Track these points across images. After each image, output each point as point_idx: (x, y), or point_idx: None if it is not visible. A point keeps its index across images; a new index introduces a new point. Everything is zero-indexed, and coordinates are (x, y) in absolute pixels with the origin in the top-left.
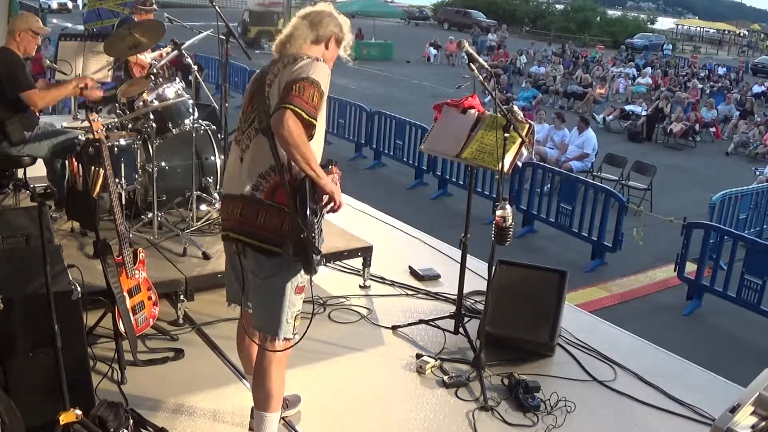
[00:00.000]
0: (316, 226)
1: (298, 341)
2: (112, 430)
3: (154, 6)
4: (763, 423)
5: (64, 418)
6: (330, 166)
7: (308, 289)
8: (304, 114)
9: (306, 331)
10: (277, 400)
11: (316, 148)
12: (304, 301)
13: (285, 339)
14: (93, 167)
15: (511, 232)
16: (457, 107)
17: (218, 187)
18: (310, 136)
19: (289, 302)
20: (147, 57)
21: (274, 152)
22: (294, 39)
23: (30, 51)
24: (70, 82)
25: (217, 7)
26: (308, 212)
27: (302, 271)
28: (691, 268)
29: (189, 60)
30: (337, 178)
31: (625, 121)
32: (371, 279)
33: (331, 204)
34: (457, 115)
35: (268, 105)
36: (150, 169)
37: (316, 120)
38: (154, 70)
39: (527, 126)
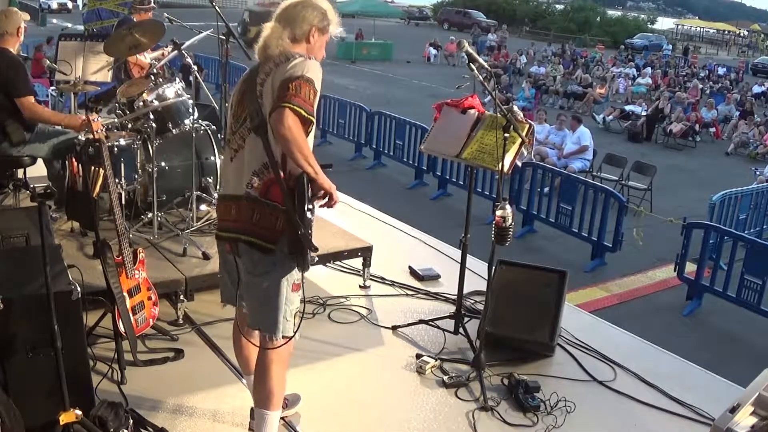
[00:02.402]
0: (312, 224)
1: (293, 336)
2: (112, 430)
3: (152, 4)
4: (763, 423)
5: (64, 418)
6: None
7: (308, 289)
8: (303, 112)
9: (298, 328)
10: (278, 399)
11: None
12: (304, 302)
13: (284, 336)
14: (93, 167)
15: (511, 232)
16: (457, 107)
17: (218, 187)
18: (307, 133)
19: (286, 299)
20: (147, 57)
21: (268, 150)
22: (271, 40)
23: (22, 39)
24: (65, 119)
25: (217, 7)
26: (305, 209)
27: (296, 269)
28: (691, 268)
29: (189, 60)
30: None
31: (625, 122)
32: (371, 279)
33: (327, 199)
34: (457, 115)
35: (260, 104)
36: (150, 169)
37: (314, 117)
38: (154, 70)
39: (527, 126)
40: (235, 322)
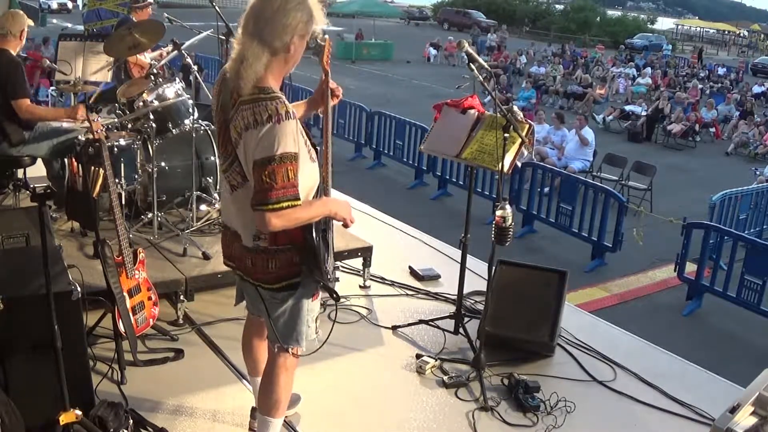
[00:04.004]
0: (328, 258)
1: (320, 347)
2: (112, 430)
3: (150, 1)
4: (763, 423)
5: (64, 418)
6: (322, 42)
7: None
8: (283, 204)
9: (329, 336)
10: (284, 407)
11: (308, 172)
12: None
13: (308, 341)
14: (93, 167)
15: (511, 232)
16: (457, 107)
17: (218, 187)
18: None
19: (307, 311)
20: (147, 57)
21: None
22: (245, 69)
23: (23, 42)
24: (65, 112)
25: (217, 7)
26: (319, 244)
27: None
28: (691, 268)
29: (189, 60)
30: (328, 50)
31: (625, 122)
32: (371, 279)
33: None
34: (457, 115)
35: (240, 161)
36: (150, 169)
37: (299, 198)
38: (154, 70)
39: (527, 126)
40: (246, 324)
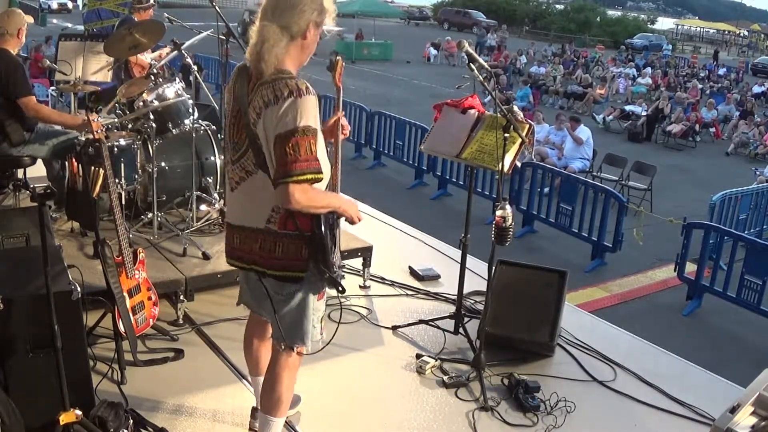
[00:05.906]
0: (335, 251)
1: (323, 347)
2: (112, 430)
3: (152, 2)
4: (763, 423)
5: (64, 418)
6: (335, 59)
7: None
8: (308, 176)
9: (333, 337)
10: (286, 406)
11: (323, 161)
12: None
13: (313, 342)
14: (93, 167)
15: (511, 232)
16: (457, 107)
17: (218, 187)
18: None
19: (313, 310)
20: (147, 57)
21: None
22: (267, 50)
23: (23, 41)
24: (72, 120)
25: (217, 7)
26: (326, 237)
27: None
28: (691, 268)
29: (189, 60)
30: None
31: (625, 122)
32: (371, 279)
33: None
34: (457, 115)
35: (258, 144)
36: (150, 169)
37: (321, 172)
38: (154, 70)
39: (527, 126)
40: (248, 324)
